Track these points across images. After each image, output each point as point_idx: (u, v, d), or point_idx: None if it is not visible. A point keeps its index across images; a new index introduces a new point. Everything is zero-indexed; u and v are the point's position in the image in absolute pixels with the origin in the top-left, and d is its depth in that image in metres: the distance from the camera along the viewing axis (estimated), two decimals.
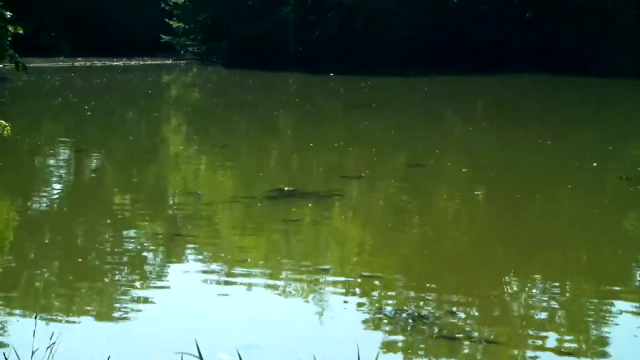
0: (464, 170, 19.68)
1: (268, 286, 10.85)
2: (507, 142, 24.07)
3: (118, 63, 51.75)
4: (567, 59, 47.71)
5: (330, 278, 11.16)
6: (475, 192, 17.28)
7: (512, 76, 43.94)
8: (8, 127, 13.26)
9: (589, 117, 30.79)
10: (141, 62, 52.97)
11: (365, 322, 9.59)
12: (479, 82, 42.21)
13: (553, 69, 44.84)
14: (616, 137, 24.85)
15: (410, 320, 9.48)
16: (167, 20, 59.19)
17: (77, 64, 50.95)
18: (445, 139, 24.73)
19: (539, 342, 9.03)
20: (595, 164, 19.83)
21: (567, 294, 10.81)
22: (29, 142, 23.66)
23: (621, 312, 10.06)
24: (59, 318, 9.69)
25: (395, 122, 28.44)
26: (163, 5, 61.44)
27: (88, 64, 51.17)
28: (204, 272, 11.46)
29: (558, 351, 8.88)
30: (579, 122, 29.32)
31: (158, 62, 53.81)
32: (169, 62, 54.21)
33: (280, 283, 11.02)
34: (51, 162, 20.92)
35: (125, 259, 12.19)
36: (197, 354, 4.76)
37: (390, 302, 10.21)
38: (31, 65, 45.36)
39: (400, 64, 48.47)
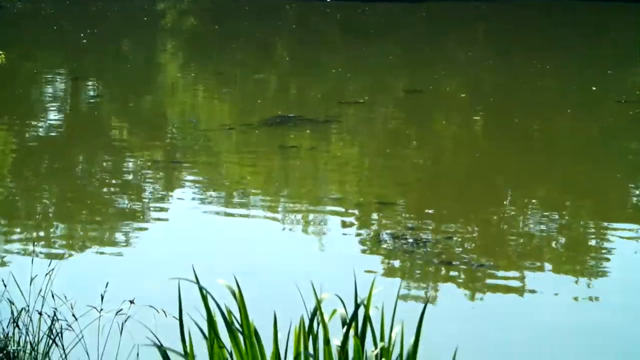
0: (462, 95, 19.57)
1: (265, 213, 10.85)
2: (506, 67, 23.90)
3: None
4: None
5: (329, 204, 11.15)
6: (474, 118, 17.20)
7: (510, 0, 43.49)
8: (2, 55, 13.16)
9: (587, 42, 30.53)
10: None
11: (363, 247, 9.60)
12: (476, 8, 41.79)
13: None
14: (614, 61, 24.66)
15: (408, 246, 9.48)
16: None
17: None
18: (444, 65, 24.54)
19: (538, 266, 9.05)
20: (594, 88, 19.71)
21: (566, 218, 10.81)
22: (25, 71, 23.48)
23: (620, 235, 10.07)
24: (58, 246, 9.70)
25: (393, 48, 28.21)
26: None
27: None
28: (202, 199, 11.44)
29: (557, 274, 8.89)
30: (577, 46, 29.07)
31: None
32: None
33: (278, 210, 11.02)
34: (48, 90, 20.78)
35: (122, 186, 12.17)
36: (194, 280, 4.74)
37: (388, 227, 10.21)
38: None
39: None
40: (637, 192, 12.09)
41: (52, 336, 5.61)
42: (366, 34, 32.14)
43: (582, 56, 26.33)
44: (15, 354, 5.67)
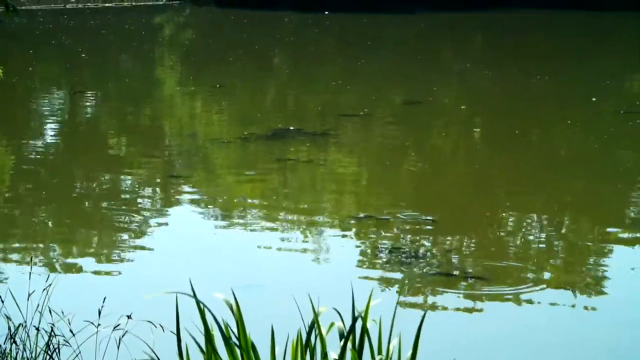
0: (462, 107, 19.57)
1: (264, 227, 10.82)
2: (505, 78, 23.91)
3: (110, 5, 51.26)
4: None
5: (327, 217, 11.13)
6: (474, 129, 17.20)
7: (508, 12, 43.51)
8: (0, 70, 13.15)
9: (586, 52, 30.55)
10: (134, 4, 52.43)
11: (361, 260, 9.57)
12: (475, 19, 41.84)
13: (548, 4, 44.30)
14: (614, 72, 24.68)
15: (406, 258, 9.46)
16: None
17: (69, 5, 50.45)
18: (443, 76, 24.56)
19: (536, 279, 9.02)
20: (594, 99, 19.71)
21: (565, 230, 10.80)
22: (24, 85, 23.50)
23: (618, 247, 10.04)
24: (55, 261, 9.68)
25: (392, 60, 28.24)
26: None
27: (80, 5, 50.65)
28: (200, 213, 11.43)
29: (555, 287, 8.86)
30: (576, 57, 29.10)
31: (150, 3, 53.26)
32: (161, 3, 53.65)
33: (277, 223, 10.99)
34: (46, 104, 20.80)
35: (121, 200, 12.15)
36: (191, 294, 4.73)
37: (386, 239, 10.18)
38: (23, 7, 44.81)
39: (396, 0, 48.00)
40: (637, 203, 12.07)
41: (49, 352, 5.59)
42: (364, 46, 32.18)
43: (580, 66, 26.36)
44: None
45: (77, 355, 5.78)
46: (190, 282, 4.92)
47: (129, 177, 13.51)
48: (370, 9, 45.01)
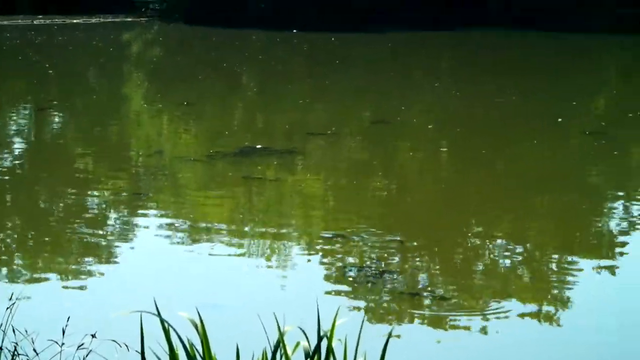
0: (429, 126, 19.64)
1: (229, 245, 10.78)
2: (472, 97, 24.02)
3: (79, 21, 51.05)
4: (538, 15, 47.23)
5: (293, 236, 11.11)
6: (441, 149, 17.26)
7: (478, 32, 43.79)
8: None
9: (551, 73, 30.76)
10: (102, 20, 52.24)
11: (327, 280, 9.56)
12: (442, 38, 42.07)
13: (522, 24, 44.58)
14: (581, 93, 24.89)
15: (372, 277, 9.46)
16: None
17: (37, 21, 50.18)
18: (411, 95, 24.65)
19: (502, 300, 9.04)
20: (560, 119, 19.84)
21: (532, 250, 10.84)
22: None
23: (584, 267, 10.10)
24: (19, 278, 9.59)
25: (360, 79, 28.33)
26: None
27: (48, 21, 50.40)
28: (166, 231, 11.36)
29: (521, 308, 8.88)
30: (544, 78, 29.30)
31: (119, 20, 53.10)
32: (129, 19, 53.50)
33: (243, 242, 10.95)
34: (12, 120, 20.64)
35: (85, 219, 12.06)
36: (155, 313, 4.70)
37: (353, 259, 10.17)
38: None
39: (364, 20, 48.19)
40: (601, 223, 12.16)
41: None
42: (333, 64, 32.26)
43: (547, 87, 26.54)
44: None
45: None
46: (154, 300, 4.89)
47: (94, 195, 13.42)
48: (339, 29, 45.16)
